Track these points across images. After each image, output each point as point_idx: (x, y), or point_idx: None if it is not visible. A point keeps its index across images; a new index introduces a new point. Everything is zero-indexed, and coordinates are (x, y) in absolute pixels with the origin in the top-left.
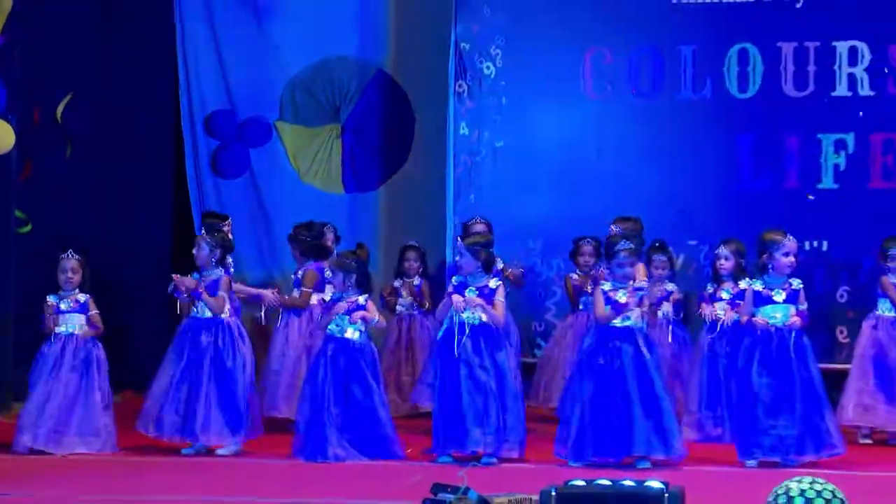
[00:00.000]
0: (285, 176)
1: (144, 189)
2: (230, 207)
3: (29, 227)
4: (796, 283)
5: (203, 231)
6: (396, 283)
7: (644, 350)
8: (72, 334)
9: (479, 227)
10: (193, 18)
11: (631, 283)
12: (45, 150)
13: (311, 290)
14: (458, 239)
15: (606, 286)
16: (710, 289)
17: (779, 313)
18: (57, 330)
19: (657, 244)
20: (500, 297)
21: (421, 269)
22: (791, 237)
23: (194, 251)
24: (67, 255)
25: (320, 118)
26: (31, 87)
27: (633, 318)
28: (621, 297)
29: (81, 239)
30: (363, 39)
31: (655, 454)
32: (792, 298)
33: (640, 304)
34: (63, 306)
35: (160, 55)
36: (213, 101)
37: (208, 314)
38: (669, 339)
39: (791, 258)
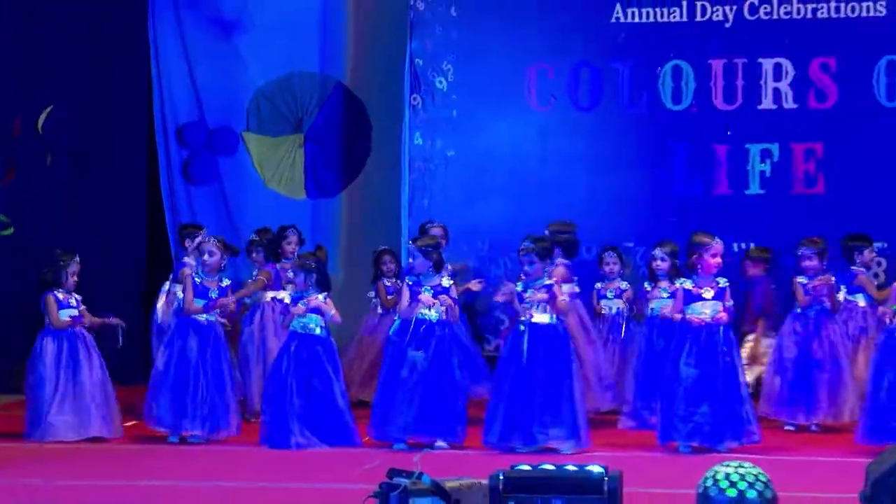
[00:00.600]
0: (251, 182)
1: (120, 194)
2: (200, 212)
3: (11, 230)
4: (723, 282)
5: (209, 237)
6: (387, 283)
7: (524, 348)
8: (82, 328)
9: (437, 231)
10: (166, 36)
11: (545, 281)
12: (27, 158)
13: (264, 279)
14: (410, 241)
15: (519, 286)
16: (647, 287)
17: (707, 309)
18: (70, 325)
19: (608, 245)
20: (454, 295)
21: (397, 271)
22: (718, 239)
23: (206, 257)
24: (77, 258)
25: (284, 128)
26: (13, 100)
27: (538, 316)
28: (530, 295)
29: (60, 241)
30: (324, 55)
31: (526, 444)
32: (719, 296)
33: (548, 302)
34: (72, 302)
35: (135, 70)
36: (185, 113)
37: (204, 317)
38: (623, 335)
39: (718, 259)
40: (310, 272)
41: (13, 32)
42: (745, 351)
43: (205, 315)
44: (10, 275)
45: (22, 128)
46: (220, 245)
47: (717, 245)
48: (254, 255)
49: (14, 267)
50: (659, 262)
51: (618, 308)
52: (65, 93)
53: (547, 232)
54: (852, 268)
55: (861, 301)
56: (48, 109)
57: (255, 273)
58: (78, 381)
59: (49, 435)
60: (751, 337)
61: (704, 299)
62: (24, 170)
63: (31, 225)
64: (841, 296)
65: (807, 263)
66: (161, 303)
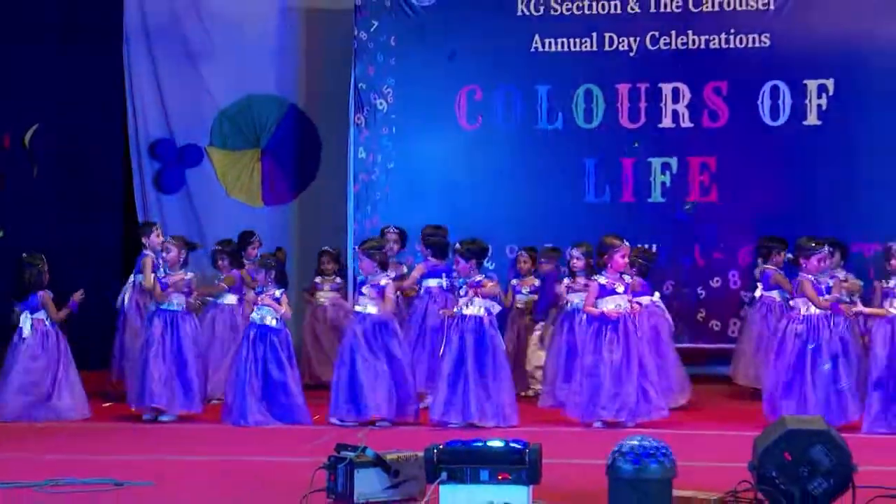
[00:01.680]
0: (215, 191)
1: (99, 202)
2: (170, 217)
3: (1, 234)
4: (627, 279)
5: (168, 238)
6: (318, 280)
7: (454, 335)
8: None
9: (392, 235)
10: (139, 64)
11: (475, 278)
12: (16, 171)
13: (226, 285)
14: (357, 246)
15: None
16: (566, 282)
17: (621, 302)
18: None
19: (523, 246)
20: (389, 293)
21: (337, 269)
22: (626, 241)
23: (164, 254)
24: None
25: (244, 144)
26: (2, 118)
27: (468, 308)
28: (462, 290)
29: (44, 244)
30: (279, 81)
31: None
32: (626, 290)
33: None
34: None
35: (112, 93)
36: (156, 131)
37: (175, 307)
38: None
39: (626, 258)
40: (269, 269)
41: (2, 58)
42: (534, 338)
43: (175, 303)
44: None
45: (10, 143)
46: (176, 242)
47: (625, 247)
48: (219, 262)
49: (5, 267)
50: (575, 261)
51: (533, 302)
52: (49, 112)
53: (421, 235)
54: (766, 266)
55: (777, 296)
56: (34, 127)
57: (220, 277)
58: (69, 368)
59: (52, 416)
60: (540, 325)
61: (616, 293)
62: (13, 180)
63: (19, 229)
64: (758, 292)
65: (574, 263)
66: (127, 295)
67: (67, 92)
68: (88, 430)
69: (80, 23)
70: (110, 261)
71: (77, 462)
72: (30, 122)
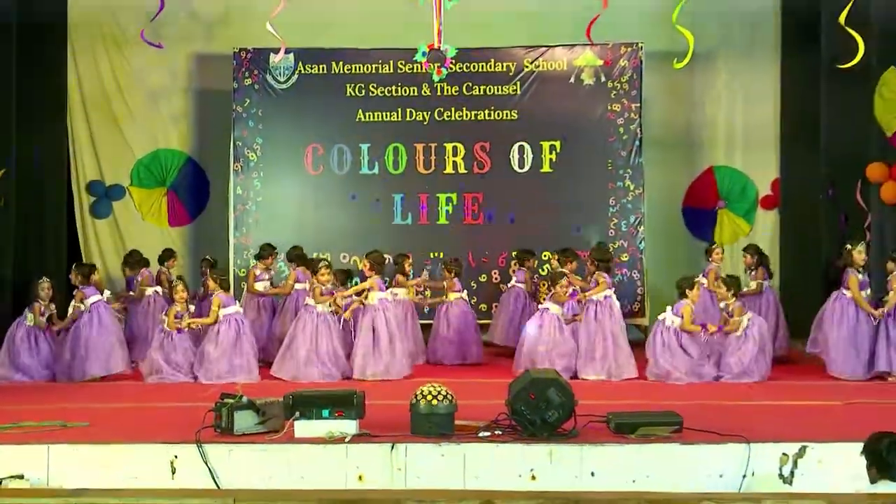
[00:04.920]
0: (134, 217)
1: (48, 227)
2: (101, 235)
3: None
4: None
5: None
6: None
7: (314, 324)
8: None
9: (267, 250)
10: (79, 125)
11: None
12: None
13: (146, 287)
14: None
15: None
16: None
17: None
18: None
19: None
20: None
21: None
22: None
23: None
24: (46, 281)
25: (154, 184)
26: None
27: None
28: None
29: (8, 257)
30: (180, 139)
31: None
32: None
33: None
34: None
35: (60, 147)
36: (91, 174)
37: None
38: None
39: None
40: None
41: None
42: None
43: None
44: None
45: None
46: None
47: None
48: (126, 270)
49: None
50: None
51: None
52: (15, 161)
53: (287, 253)
54: (521, 267)
55: (523, 286)
56: (2, 171)
57: (137, 277)
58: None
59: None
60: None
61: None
62: None
63: None
64: (511, 283)
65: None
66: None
67: (27, 146)
68: (43, 387)
69: (37, 97)
70: (57, 273)
71: (32, 410)
72: None
